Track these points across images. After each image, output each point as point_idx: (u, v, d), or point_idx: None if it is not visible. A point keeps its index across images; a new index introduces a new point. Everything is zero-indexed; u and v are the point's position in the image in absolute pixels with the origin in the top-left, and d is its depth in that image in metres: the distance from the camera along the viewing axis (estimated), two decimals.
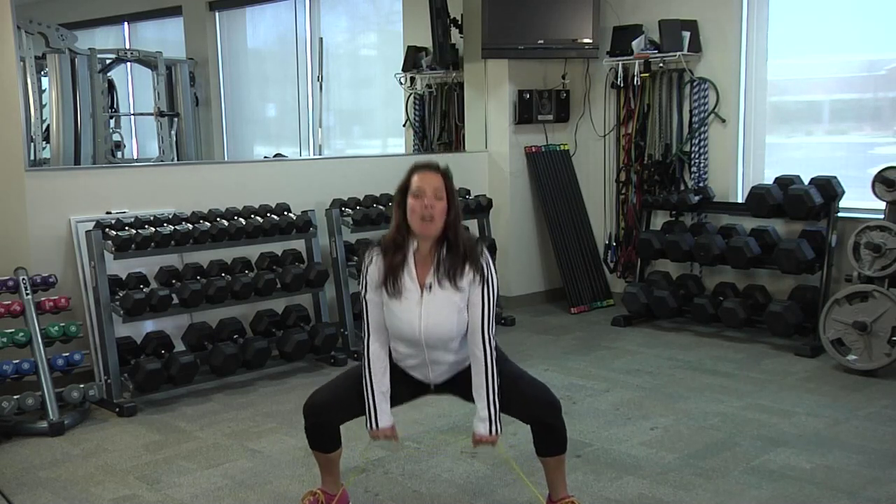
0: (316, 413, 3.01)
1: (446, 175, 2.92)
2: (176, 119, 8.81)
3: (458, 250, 2.90)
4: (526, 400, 2.96)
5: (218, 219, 5.01)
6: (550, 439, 3.00)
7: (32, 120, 7.81)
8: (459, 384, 3.03)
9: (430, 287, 2.90)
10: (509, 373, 2.99)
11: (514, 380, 2.99)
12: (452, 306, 2.89)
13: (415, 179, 2.89)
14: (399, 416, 4.23)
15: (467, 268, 2.90)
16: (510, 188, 6.58)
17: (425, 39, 7.07)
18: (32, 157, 7.68)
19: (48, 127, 8.12)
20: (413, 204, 2.87)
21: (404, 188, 2.91)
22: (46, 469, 3.73)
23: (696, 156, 6.15)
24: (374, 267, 2.95)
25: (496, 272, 2.98)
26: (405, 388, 3.07)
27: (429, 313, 2.89)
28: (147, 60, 8.68)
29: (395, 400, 3.04)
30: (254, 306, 5.18)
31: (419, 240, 2.92)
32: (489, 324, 2.93)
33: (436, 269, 2.90)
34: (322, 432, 3.05)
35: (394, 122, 7.93)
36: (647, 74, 6.28)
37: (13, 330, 4.29)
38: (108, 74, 8.60)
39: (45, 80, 8.19)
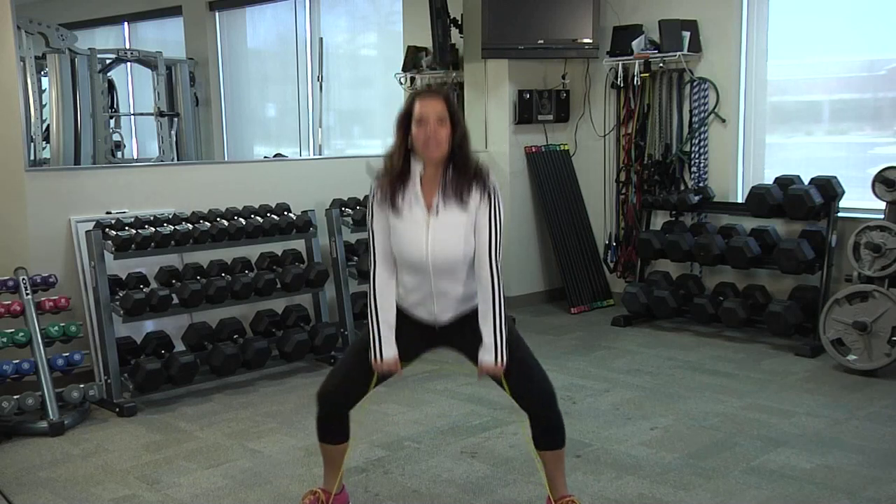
0: (329, 397, 3.00)
1: (447, 98, 2.88)
2: (176, 119, 8.80)
3: (465, 170, 2.87)
4: (522, 384, 2.95)
5: (218, 219, 5.01)
6: (544, 431, 3.00)
7: (32, 120, 7.80)
8: (465, 332, 2.93)
9: (437, 209, 2.86)
10: (520, 358, 2.95)
11: (519, 362, 2.94)
12: (459, 227, 2.85)
13: (416, 107, 2.86)
14: (399, 416, 4.27)
15: (474, 187, 2.87)
16: (510, 188, 6.57)
17: (425, 39, 7.06)
18: (32, 157, 7.67)
19: (48, 127, 8.12)
20: (417, 132, 2.85)
21: (406, 114, 2.89)
22: (46, 469, 3.72)
23: (696, 156, 6.15)
24: (379, 190, 2.93)
25: (501, 201, 2.94)
26: (410, 337, 2.97)
27: (436, 236, 2.85)
28: (147, 60, 8.67)
29: (403, 355, 2.96)
30: (254, 306, 5.18)
31: (425, 162, 2.89)
32: (496, 248, 2.89)
33: (442, 190, 2.87)
34: (334, 421, 3.04)
35: (394, 123, 7.90)
36: (647, 74, 6.28)
37: (13, 330, 4.28)
38: (108, 74, 8.59)
39: (45, 80, 8.19)
